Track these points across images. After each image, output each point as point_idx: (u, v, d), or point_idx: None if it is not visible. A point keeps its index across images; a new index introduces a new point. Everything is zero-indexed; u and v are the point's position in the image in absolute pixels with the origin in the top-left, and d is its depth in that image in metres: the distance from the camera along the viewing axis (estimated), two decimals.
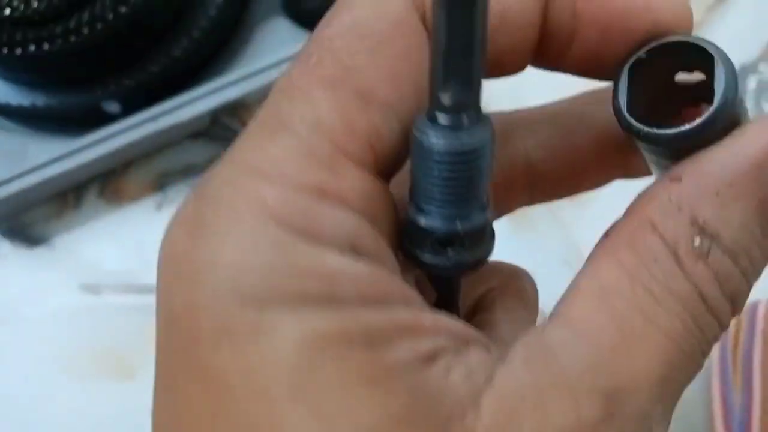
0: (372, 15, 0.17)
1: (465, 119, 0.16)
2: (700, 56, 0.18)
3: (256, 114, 0.17)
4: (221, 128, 0.53)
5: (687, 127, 0.18)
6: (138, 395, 0.46)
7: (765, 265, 0.18)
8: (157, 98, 0.48)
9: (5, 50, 0.47)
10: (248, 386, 0.15)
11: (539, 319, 0.26)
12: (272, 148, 0.16)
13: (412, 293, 0.17)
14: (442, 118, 0.16)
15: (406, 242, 0.18)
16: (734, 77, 0.17)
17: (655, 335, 0.16)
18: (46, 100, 0.49)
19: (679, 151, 0.18)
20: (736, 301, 0.17)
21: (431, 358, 0.16)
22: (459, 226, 0.17)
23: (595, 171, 0.23)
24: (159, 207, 0.51)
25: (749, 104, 0.54)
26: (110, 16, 0.46)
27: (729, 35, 0.56)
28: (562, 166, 0.23)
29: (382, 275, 0.16)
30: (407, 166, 0.18)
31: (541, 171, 0.23)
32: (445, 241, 0.17)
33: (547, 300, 0.48)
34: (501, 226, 0.20)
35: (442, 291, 0.20)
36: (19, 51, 0.46)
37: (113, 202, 0.51)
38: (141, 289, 0.50)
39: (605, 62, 0.19)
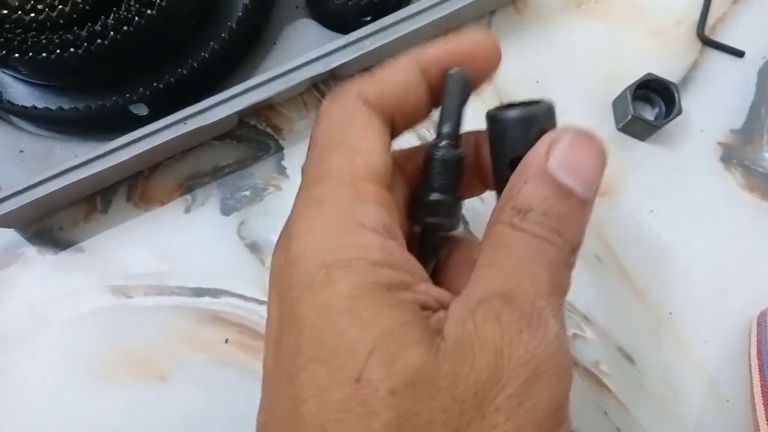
0: (339, 112, 0.31)
1: (453, 142, 0.31)
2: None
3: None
4: (248, 129, 0.53)
5: None
6: (172, 397, 0.46)
7: None
8: (185, 101, 0.48)
9: (31, 54, 0.47)
10: (319, 316, 0.26)
11: None
12: (320, 188, 0.29)
13: (411, 260, 0.29)
14: (443, 142, 0.31)
15: (418, 212, 0.32)
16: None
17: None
18: (73, 104, 0.49)
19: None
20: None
21: (423, 305, 0.28)
22: (449, 199, 0.32)
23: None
24: (187, 209, 0.51)
25: None
26: (136, 19, 0.46)
27: (755, 27, 0.56)
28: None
29: (397, 247, 0.28)
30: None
31: None
32: (439, 206, 0.31)
33: (580, 291, 0.48)
34: None
35: (429, 243, 0.34)
36: (44, 55, 0.46)
37: (141, 205, 0.51)
38: (171, 291, 0.50)
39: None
